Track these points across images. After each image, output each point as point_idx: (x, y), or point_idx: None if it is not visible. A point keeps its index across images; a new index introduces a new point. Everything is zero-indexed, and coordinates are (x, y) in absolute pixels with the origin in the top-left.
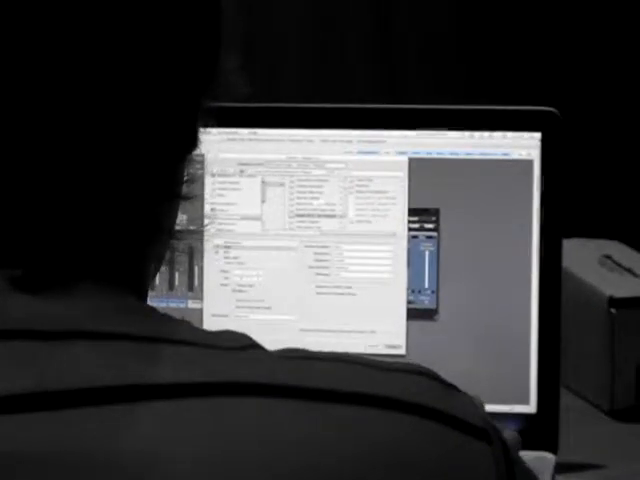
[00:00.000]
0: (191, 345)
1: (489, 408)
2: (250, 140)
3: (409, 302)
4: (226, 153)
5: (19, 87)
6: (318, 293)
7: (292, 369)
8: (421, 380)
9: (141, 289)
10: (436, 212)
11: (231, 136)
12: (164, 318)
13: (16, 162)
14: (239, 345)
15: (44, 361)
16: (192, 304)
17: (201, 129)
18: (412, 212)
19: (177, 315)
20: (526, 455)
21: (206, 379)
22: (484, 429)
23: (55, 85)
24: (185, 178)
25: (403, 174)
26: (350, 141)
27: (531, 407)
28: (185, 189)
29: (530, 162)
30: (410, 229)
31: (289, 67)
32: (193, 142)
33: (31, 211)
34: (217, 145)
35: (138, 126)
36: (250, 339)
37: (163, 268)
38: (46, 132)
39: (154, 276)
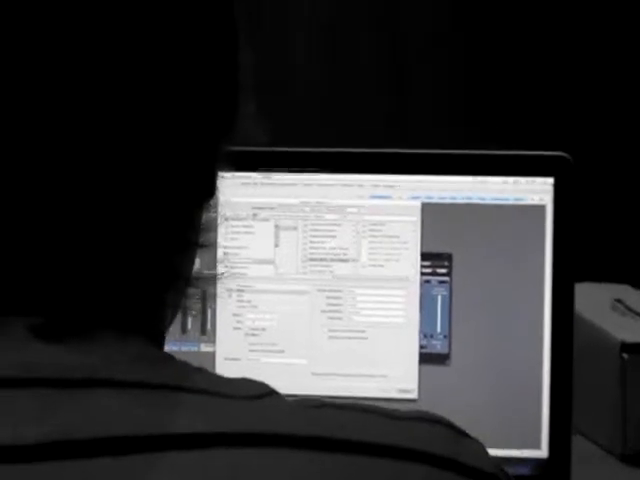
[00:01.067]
0: (209, 394)
1: (501, 453)
2: (263, 184)
3: (421, 347)
4: (239, 197)
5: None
6: (330, 337)
7: (309, 419)
8: (433, 428)
9: (158, 336)
10: (449, 257)
11: (244, 180)
12: (182, 366)
13: (36, 212)
14: (257, 394)
15: (63, 410)
16: (205, 348)
17: (221, 174)
18: (425, 257)
19: (189, 359)
20: None
21: (224, 429)
22: (494, 474)
23: (71, 132)
24: (202, 225)
25: (416, 219)
26: (362, 185)
27: (543, 452)
28: (202, 236)
29: (543, 207)
30: (422, 274)
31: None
32: (211, 189)
33: (52, 260)
34: (230, 189)
35: (156, 173)
36: (268, 387)
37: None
38: (64, 180)
39: (171, 323)
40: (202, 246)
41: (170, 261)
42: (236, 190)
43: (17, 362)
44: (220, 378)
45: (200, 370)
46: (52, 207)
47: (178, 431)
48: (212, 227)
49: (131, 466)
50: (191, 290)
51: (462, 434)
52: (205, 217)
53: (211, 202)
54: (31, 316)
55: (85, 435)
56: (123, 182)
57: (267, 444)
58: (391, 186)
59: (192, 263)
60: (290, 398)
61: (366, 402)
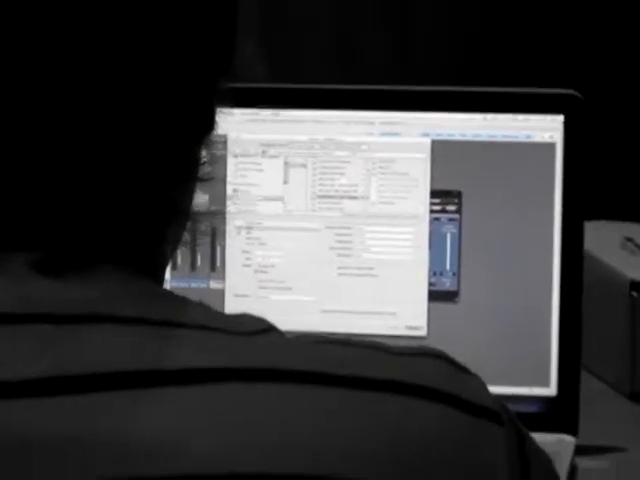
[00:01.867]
0: (208, 330)
1: (509, 390)
2: (273, 121)
3: (430, 284)
4: (248, 134)
5: (33, 75)
6: (339, 274)
7: (310, 354)
8: (435, 363)
9: (158, 272)
10: (458, 194)
11: (253, 117)
12: (181, 301)
13: (35, 147)
14: (257, 329)
15: (62, 345)
16: (214, 284)
17: (221, 110)
18: (434, 194)
19: (199, 295)
20: (546, 438)
21: (224, 365)
22: (496, 412)
23: (71, 69)
24: (204, 160)
25: (425, 156)
26: (372, 123)
27: (551, 390)
28: (204, 171)
29: (553, 145)
30: (432, 211)
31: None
32: (210, 124)
33: (50, 195)
34: (239, 126)
35: (153, 109)
36: (267, 323)
37: (185, 249)
38: (63, 117)
39: (170, 258)
40: (202, 180)
41: (169, 195)
42: (245, 127)
43: (17, 297)
44: (219, 314)
45: (200, 305)
46: (51, 142)
47: (177, 366)
48: (214, 162)
49: (129, 401)
50: (197, 225)
51: (462, 369)
52: (207, 152)
53: (212, 137)
54: (31, 252)
55: (84, 370)
56: (121, 117)
57: (267, 379)
58: (401, 123)
59: (191, 197)
60: (292, 334)
61: (374, 339)
